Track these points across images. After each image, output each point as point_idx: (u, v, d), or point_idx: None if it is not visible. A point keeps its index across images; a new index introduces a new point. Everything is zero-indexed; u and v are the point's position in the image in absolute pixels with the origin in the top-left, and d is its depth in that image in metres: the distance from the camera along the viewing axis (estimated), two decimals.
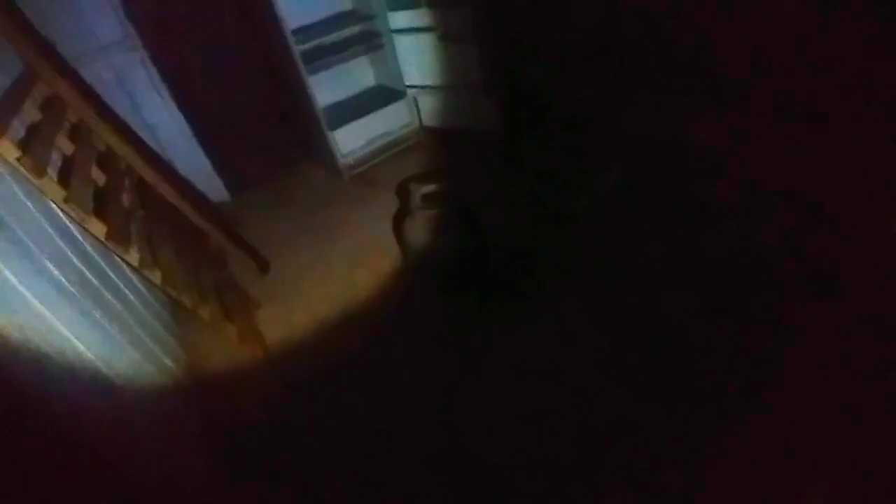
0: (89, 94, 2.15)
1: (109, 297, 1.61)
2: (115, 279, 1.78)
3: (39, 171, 1.37)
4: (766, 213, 1.78)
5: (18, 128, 1.53)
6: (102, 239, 1.53)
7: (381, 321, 2.03)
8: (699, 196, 1.97)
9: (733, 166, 1.86)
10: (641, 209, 2.16)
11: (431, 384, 1.70)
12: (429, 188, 2.28)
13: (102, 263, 1.72)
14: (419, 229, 2.17)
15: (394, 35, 3.01)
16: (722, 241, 1.84)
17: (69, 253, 1.48)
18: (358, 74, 3.37)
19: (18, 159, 1.33)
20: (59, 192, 1.45)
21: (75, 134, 1.89)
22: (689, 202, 2.02)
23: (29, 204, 1.38)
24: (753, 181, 1.81)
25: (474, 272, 2.11)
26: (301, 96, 2.87)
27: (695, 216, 1.99)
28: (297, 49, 2.67)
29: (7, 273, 1.04)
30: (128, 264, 1.67)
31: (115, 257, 1.78)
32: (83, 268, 1.52)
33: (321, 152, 3.17)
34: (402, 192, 2.74)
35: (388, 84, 3.32)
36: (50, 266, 1.28)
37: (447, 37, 2.83)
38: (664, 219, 2.07)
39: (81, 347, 1.22)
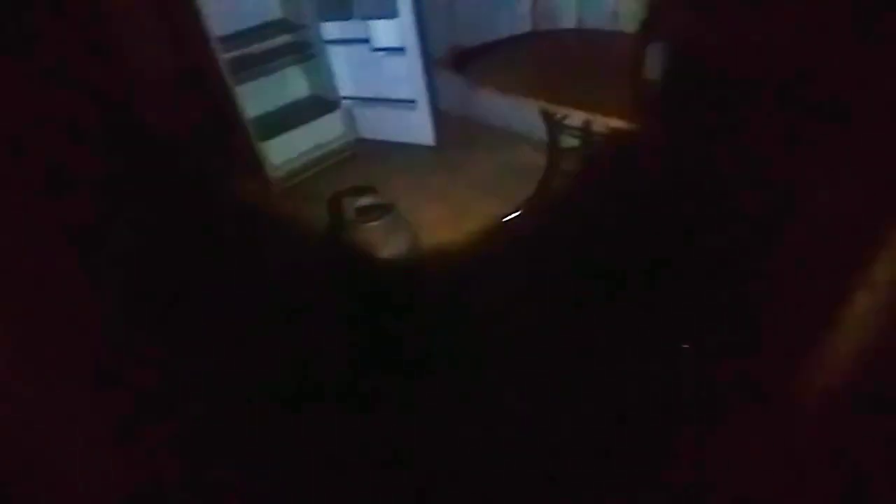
0: None
1: None
2: None
3: None
4: None
5: None
6: None
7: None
8: None
9: None
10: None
11: None
12: (364, 201, 2.23)
13: None
14: (352, 243, 2.12)
15: (327, 46, 2.97)
16: None
17: None
18: (290, 85, 3.28)
19: None
20: None
21: None
22: None
23: None
24: None
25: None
26: (227, 107, 2.74)
27: None
28: (225, 57, 2.56)
29: None
30: None
31: None
32: None
33: (250, 165, 3.04)
34: (335, 205, 2.67)
35: (323, 95, 3.26)
36: None
37: (382, 48, 2.83)
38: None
39: None
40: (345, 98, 3.13)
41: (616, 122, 1.62)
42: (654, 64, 1.57)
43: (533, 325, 1.86)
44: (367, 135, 3.26)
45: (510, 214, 2.39)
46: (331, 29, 2.90)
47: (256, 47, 2.81)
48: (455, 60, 2.96)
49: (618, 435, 1.47)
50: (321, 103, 3.20)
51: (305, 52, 2.97)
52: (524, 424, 1.54)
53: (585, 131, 2.45)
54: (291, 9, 2.92)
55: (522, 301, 1.97)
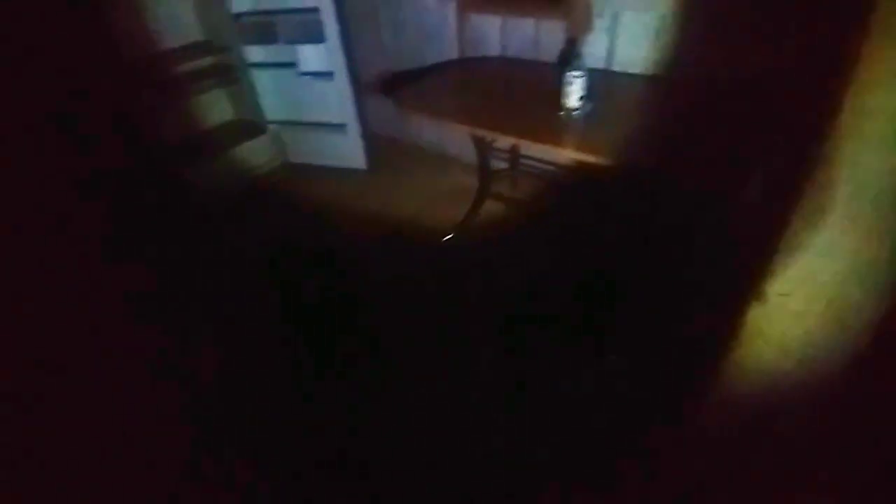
0: None
1: None
2: None
3: None
4: None
5: None
6: None
7: None
8: None
9: None
10: None
11: None
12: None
13: None
14: None
15: (252, 69, 2.89)
16: None
17: None
18: (214, 108, 3.15)
19: None
20: None
21: None
22: None
23: None
24: None
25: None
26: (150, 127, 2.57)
27: None
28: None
29: None
30: None
31: None
32: None
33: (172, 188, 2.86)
34: None
35: (249, 119, 3.15)
36: None
37: (309, 73, 2.79)
38: None
39: None
40: (271, 122, 3.04)
41: (540, 146, 1.69)
42: (572, 93, 1.66)
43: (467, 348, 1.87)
44: (296, 159, 3.18)
45: (445, 236, 2.41)
46: (255, 52, 2.82)
47: (177, 69, 2.68)
48: (384, 85, 2.98)
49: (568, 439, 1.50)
50: (247, 127, 3.10)
51: (229, 74, 2.87)
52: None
53: (513, 154, 2.55)
54: (213, 31, 2.82)
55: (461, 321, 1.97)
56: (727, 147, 1.25)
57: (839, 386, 0.61)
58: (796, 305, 0.53)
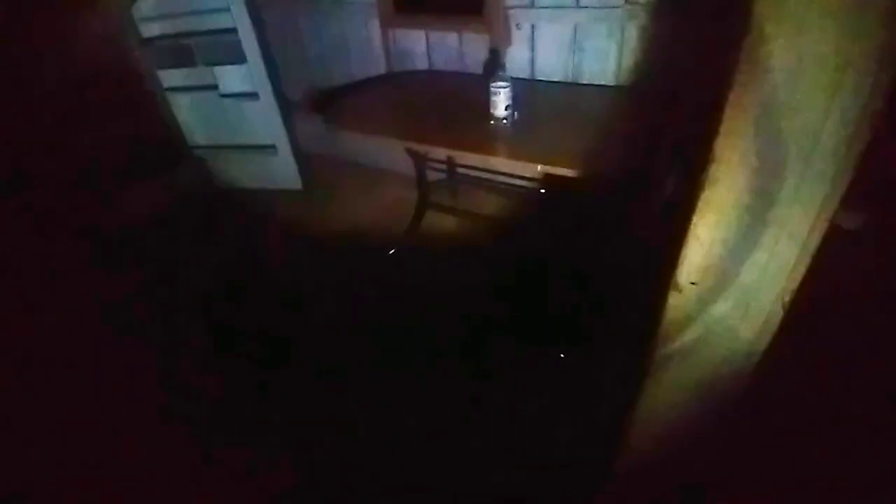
0: None
1: None
2: None
3: None
4: None
5: None
6: None
7: None
8: None
9: None
10: None
11: None
12: None
13: None
14: None
15: (170, 93, 2.76)
16: None
17: None
18: (132, 135, 2.96)
19: None
20: None
21: None
22: None
23: None
24: None
25: None
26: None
27: None
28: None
29: None
30: None
31: None
32: None
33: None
34: None
35: (170, 145, 3.00)
36: None
37: (231, 94, 2.70)
38: None
39: None
40: (195, 147, 2.91)
41: (473, 156, 1.73)
42: (499, 103, 1.71)
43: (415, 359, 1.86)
44: (225, 184, 3.06)
45: (387, 251, 2.40)
46: (172, 76, 2.70)
47: (89, 97, 2.51)
48: (313, 102, 2.93)
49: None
50: (170, 154, 2.94)
51: (145, 100, 2.72)
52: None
53: (450, 164, 2.58)
54: (125, 56, 2.67)
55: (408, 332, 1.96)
56: (643, 147, 1.33)
57: (756, 363, 0.66)
58: (705, 294, 0.58)
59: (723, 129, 0.52)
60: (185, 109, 2.81)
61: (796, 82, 0.48)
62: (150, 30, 2.55)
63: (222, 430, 1.62)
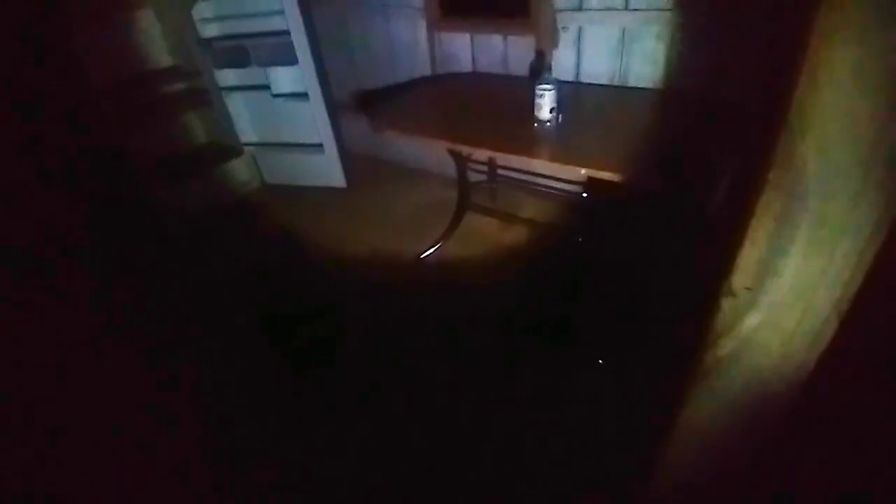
0: None
1: None
2: None
3: None
4: None
5: None
6: None
7: None
8: None
9: None
10: None
11: None
12: None
13: None
14: None
15: (224, 92, 2.89)
16: None
17: None
18: (188, 132, 3.13)
19: None
20: None
21: None
22: None
23: None
24: None
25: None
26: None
27: None
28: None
29: None
30: None
31: None
32: None
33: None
34: None
35: (223, 142, 3.14)
36: None
37: (283, 94, 2.81)
38: None
39: None
40: (246, 144, 3.04)
41: (516, 159, 1.74)
42: (543, 105, 1.71)
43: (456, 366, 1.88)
44: (274, 180, 3.18)
45: (427, 250, 2.43)
46: (227, 76, 2.83)
47: (147, 95, 2.67)
48: (359, 104, 3.01)
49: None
50: (223, 150, 3.08)
51: (201, 98, 2.87)
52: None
53: (491, 165, 2.59)
54: (183, 56, 2.82)
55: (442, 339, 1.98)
56: (693, 151, 1.31)
57: (811, 372, 0.64)
58: (761, 297, 0.57)
59: (782, 133, 0.52)
60: (238, 108, 2.94)
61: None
62: (209, 30, 2.68)
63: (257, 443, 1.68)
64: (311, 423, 1.69)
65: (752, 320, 0.60)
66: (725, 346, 0.64)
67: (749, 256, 0.58)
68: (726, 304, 0.60)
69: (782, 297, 0.58)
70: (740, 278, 0.58)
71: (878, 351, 0.57)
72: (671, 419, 0.87)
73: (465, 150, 2.10)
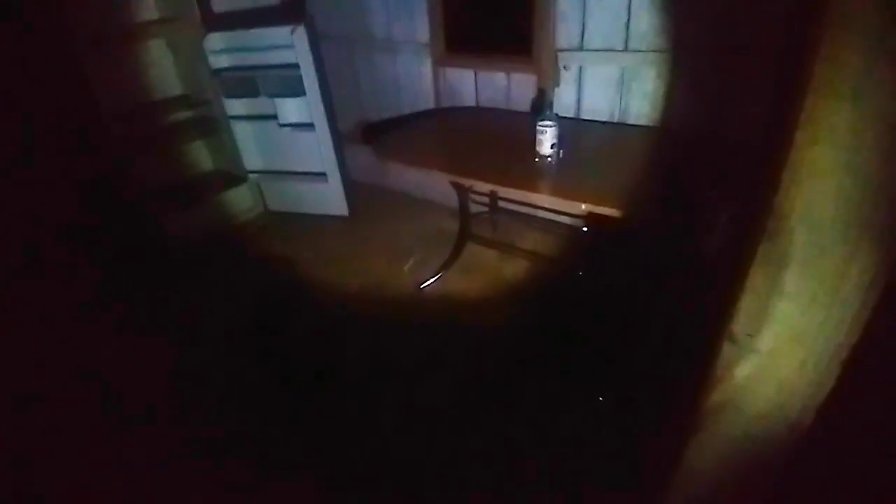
0: None
1: None
2: None
3: None
4: None
5: None
6: None
7: None
8: None
9: None
10: None
11: None
12: None
13: None
14: None
15: (231, 121, 2.95)
16: None
17: None
18: (195, 159, 3.18)
19: None
20: None
21: None
22: None
23: None
24: None
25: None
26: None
27: None
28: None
29: None
30: None
31: None
32: None
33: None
34: None
35: (228, 169, 3.19)
36: None
37: (289, 124, 2.86)
38: None
39: None
40: (252, 172, 3.08)
41: (517, 192, 1.76)
42: (545, 141, 1.74)
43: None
44: (277, 207, 3.21)
45: (427, 280, 2.43)
46: (235, 105, 2.89)
47: (156, 123, 2.73)
48: (364, 135, 3.07)
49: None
50: (227, 177, 3.12)
51: (209, 126, 2.92)
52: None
53: (492, 197, 2.62)
54: (192, 85, 2.89)
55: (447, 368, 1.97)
56: (692, 191, 1.33)
57: (810, 416, 0.64)
58: (762, 345, 0.57)
59: (779, 182, 0.53)
60: (245, 136, 2.99)
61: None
62: (220, 62, 2.75)
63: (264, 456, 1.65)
64: (299, 460, 1.65)
65: (750, 366, 0.60)
66: (724, 392, 0.64)
67: (749, 302, 0.58)
68: (727, 349, 0.60)
69: (782, 344, 0.58)
70: (741, 324, 0.58)
71: (879, 401, 0.57)
72: (669, 462, 0.86)
73: (467, 181, 2.13)
